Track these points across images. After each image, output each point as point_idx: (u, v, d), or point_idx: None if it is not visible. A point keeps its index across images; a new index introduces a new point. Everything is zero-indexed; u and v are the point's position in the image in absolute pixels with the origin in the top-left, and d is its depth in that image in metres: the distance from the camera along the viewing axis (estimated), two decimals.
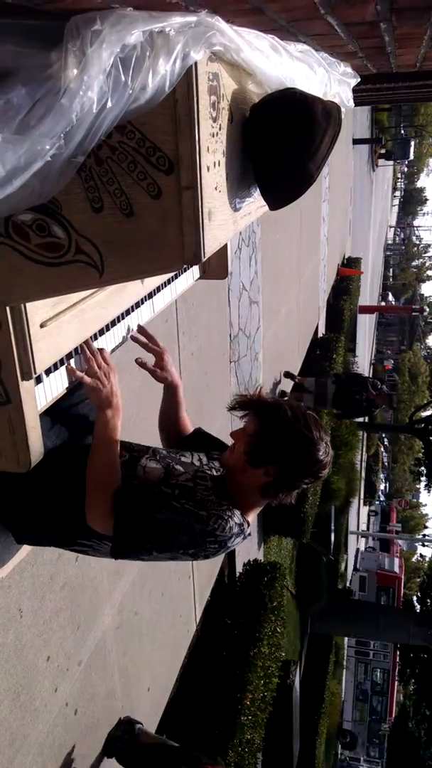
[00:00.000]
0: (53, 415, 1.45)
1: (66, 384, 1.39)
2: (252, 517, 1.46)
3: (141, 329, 1.65)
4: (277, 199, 1.24)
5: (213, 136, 1.01)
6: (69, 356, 1.37)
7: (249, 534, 1.45)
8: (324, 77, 1.49)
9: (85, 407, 1.59)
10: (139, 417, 1.71)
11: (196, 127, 0.94)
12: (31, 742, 2.65)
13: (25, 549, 2.05)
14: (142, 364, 1.65)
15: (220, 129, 1.04)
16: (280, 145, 1.13)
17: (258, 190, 1.25)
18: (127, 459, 1.46)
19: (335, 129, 1.15)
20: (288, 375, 8.05)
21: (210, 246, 1.01)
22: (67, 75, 0.84)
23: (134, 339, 1.63)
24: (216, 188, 1.04)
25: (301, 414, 1.39)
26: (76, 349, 1.39)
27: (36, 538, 1.59)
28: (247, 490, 1.43)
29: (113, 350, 1.59)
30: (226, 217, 1.13)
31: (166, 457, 1.50)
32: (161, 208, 0.98)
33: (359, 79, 1.88)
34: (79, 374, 1.37)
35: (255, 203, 1.33)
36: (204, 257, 0.99)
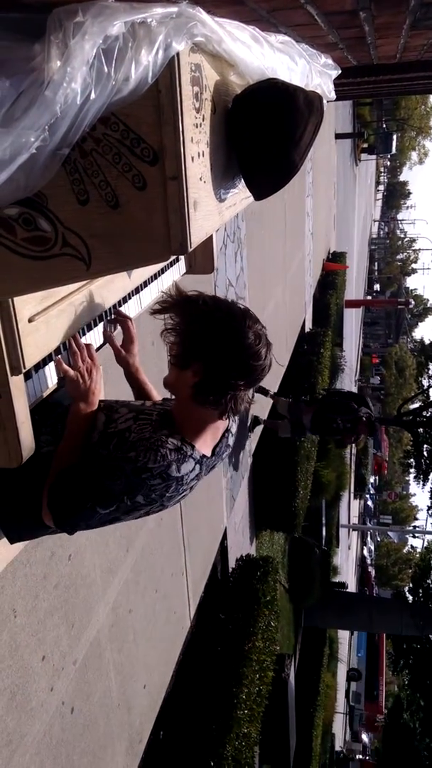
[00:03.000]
0: (41, 410, 1.45)
1: (55, 380, 1.40)
2: (201, 441, 1.37)
3: (117, 311, 1.64)
4: (261, 189, 1.25)
5: (197, 127, 1.02)
6: (57, 351, 1.38)
7: (200, 457, 1.36)
8: (305, 68, 1.50)
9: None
10: None
11: (180, 117, 0.95)
12: (29, 742, 2.65)
13: (17, 548, 2.05)
14: (109, 339, 1.61)
15: (203, 120, 1.05)
16: (264, 135, 1.14)
17: (242, 181, 1.25)
18: None
19: (317, 118, 1.16)
20: (260, 390, 7.09)
21: (196, 236, 1.02)
22: (50, 67, 0.84)
23: (113, 321, 1.63)
24: (201, 179, 1.05)
25: (223, 302, 1.32)
26: (64, 345, 1.39)
27: (24, 531, 1.58)
28: (186, 407, 1.36)
29: (99, 347, 1.59)
30: (212, 207, 1.14)
31: (113, 403, 1.48)
32: (147, 199, 0.98)
33: (340, 71, 1.89)
34: (64, 367, 1.37)
35: (240, 194, 1.33)
36: (190, 247, 1.00)
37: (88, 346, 1.45)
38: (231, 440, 1.53)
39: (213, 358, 1.29)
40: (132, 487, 1.28)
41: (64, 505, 1.32)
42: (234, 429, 1.56)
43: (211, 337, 1.28)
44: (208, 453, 1.40)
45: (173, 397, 1.45)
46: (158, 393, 1.74)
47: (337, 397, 7.61)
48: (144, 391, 1.71)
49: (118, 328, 1.66)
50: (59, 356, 1.38)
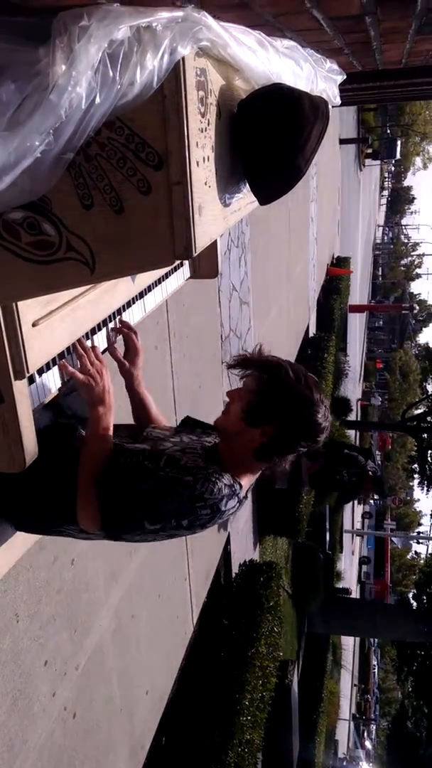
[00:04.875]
0: (46, 411, 1.45)
1: (59, 384, 1.39)
2: (246, 481, 1.43)
3: (123, 322, 1.63)
4: (266, 194, 1.25)
5: (201, 132, 1.01)
6: (61, 356, 1.37)
7: (244, 498, 1.42)
8: (310, 73, 1.50)
9: (76, 403, 1.58)
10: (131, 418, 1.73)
11: (185, 122, 0.95)
12: (30, 747, 2.64)
13: (20, 551, 2.05)
14: (112, 352, 1.61)
15: (208, 124, 1.05)
16: (269, 140, 1.14)
17: (247, 186, 1.25)
18: (116, 442, 1.46)
19: (323, 123, 1.16)
20: None
21: (201, 241, 1.01)
22: (55, 71, 0.84)
23: (117, 330, 1.62)
24: (206, 183, 1.05)
25: (302, 374, 1.37)
26: (68, 349, 1.39)
27: (40, 526, 1.57)
28: (240, 454, 1.40)
29: (104, 351, 1.59)
30: (216, 212, 1.13)
31: (157, 436, 1.50)
32: (151, 204, 0.98)
33: (345, 76, 1.89)
34: (71, 370, 1.36)
35: (244, 199, 1.33)
36: (195, 252, 0.99)
37: (93, 347, 1.44)
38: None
39: (286, 426, 1.36)
40: (183, 512, 1.32)
41: (116, 512, 1.35)
42: None
43: (289, 408, 1.34)
44: (245, 494, 1.45)
45: (214, 440, 1.48)
46: (158, 408, 1.75)
47: (345, 450, 7.37)
48: (144, 404, 1.70)
49: (119, 337, 1.66)
50: (63, 360, 1.37)
